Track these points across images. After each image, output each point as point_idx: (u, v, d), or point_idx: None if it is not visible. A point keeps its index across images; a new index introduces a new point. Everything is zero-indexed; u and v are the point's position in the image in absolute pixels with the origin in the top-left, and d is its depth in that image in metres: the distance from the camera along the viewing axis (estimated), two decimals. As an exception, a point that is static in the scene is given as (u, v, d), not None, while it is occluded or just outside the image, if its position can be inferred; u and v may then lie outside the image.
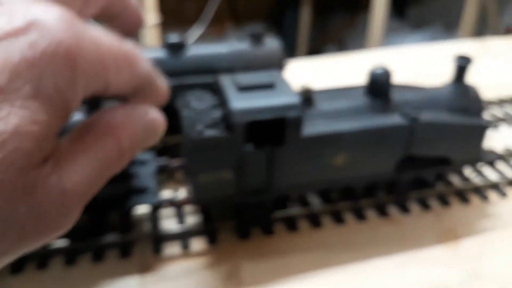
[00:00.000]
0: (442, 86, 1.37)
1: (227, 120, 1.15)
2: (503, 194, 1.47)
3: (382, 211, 1.39)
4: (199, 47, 1.48)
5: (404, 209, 1.40)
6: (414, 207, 1.42)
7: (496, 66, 2.29)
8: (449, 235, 1.32)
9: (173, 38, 1.44)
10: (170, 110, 1.40)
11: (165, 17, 3.96)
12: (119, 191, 1.22)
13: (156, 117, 0.65)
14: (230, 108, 1.13)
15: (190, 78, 1.42)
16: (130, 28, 0.79)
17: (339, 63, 2.32)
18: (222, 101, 1.22)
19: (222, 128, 1.15)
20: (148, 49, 1.45)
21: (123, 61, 0.57)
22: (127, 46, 0.59)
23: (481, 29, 4.39)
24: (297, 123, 1.16)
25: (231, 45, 1.48)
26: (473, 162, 1.38)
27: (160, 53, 1.44)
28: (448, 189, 1.44)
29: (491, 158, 1.40)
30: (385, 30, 4.34)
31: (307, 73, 2.20)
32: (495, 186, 1.48)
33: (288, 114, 1.14)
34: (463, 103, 1.32)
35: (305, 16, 4.99)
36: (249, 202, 1.26)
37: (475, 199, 1.45)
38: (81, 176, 0.52)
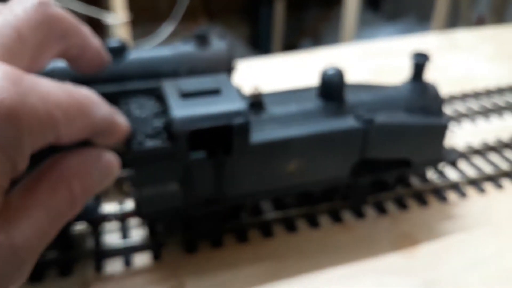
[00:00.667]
0: (400, 84, 1.31)
1: (169, 129, 1.08)
2: (462, 194, 1.41)
3: (336, 217, 1.33)
4: (142, 51, 1.40)
5: (360, 214, 1.34)
6: (370, 212, 1.35)
7: (462, 60, 2.24)
8: (405, 241, 1.27)
9: (113, 42, 1.36)
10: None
11: (136, 15, 3.87)
12: None
13: (110, 159, 0.65)
14: (172, 116, 1.06)
15: (132, 83, 1.35)
16: (91, 69, 0.81)
17: (287, 62, 2.25)
18: (164, 109, 1.15)
19: (164, 138, 1.08)
20: None
21: (75, 111, 0.57)
22: (80, 94, 0.59)
23: (454, 20, 4.36)
24: (244, 130, 1.09)
25: (175, 48, 1.40)
26: (434, 163, 1.33)
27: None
28: (406, 191, 1.39)
29: (453, 158, 1.35)
30: (359, 23, 4.30)
31: (260, 74, 2.13)
32: (454, 187, 1.43)
33: (234, 121, 1.08)
34: (421, 102, 1.27)
35: (280, 10, 4.92)
36: (197, 214, 1.19)
37: (433, 201, 1.39)
38: (32, 230, 0.52)
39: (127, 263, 1.20)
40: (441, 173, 1.45)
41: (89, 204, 1.17)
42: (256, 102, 1.18)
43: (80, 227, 1.26)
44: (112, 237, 1.26)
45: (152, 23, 4.24)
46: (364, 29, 4.71)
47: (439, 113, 1.27)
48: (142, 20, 4.15)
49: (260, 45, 5.17)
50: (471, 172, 1.48)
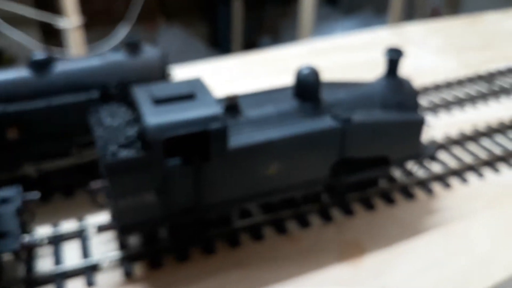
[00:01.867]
0: (375, 81, 1.29)
1: (142, 137, 1.03)
2: (410, 195, 1.39)
3: (280, 229, 1.28)
4: (69, 62, 1.33)
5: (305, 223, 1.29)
6: (315, 219, 1.31)
7: (412, 54, 2.25)
8: (352, 249, 1.22)
9: (38, 55, 1.29)
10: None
11: (90, 18, 3.75)
12: None
13: None
14: (145, 124, 1.01)
15: (60, 97, 1.28)
16: None
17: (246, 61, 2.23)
18: (136, 117, 1.10)
19: (138, 147, 1.03)
20: (10, 69, 1.29)
21: None
22: None
23: (410, 12, 4.43)
24: (222, 135, 1.05)
25: (104, 58, 1.35)
26: (413, 158, 1.32)
27: (24, 73, 1.28)
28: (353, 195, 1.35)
29: (431, 152, 1.34)
30: (316, 18, 4.30)
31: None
32: (403, 188, 1.40)
33: (211, 127, 1.04)
34: (397, 98, 1.26)
35: (238, 9, 4.88)
36: (177, 224, 1.15)
37: (380, 205, 1.36)
38: None
39: None
40: (422, 167, 1.44)
41: (13, 231, 1.08)
42: (232, 105, 1.14)
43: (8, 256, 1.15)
44: (45, 263, 1.19)
45: (107, 25, 4.13)
46: (322, 25, 4.72)
47: (415, 108, 1.26)
48: (96, 23, 4.03)
49: (219, 44, 5.11)
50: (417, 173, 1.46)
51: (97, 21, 4.04)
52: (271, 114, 1.16)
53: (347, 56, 2.22)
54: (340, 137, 1.16)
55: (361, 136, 1.18)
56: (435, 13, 4.36)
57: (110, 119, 1.12)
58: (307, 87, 1.17)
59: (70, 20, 3.12)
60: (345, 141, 1.17)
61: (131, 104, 1.16)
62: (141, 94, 1.09)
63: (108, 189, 1.10)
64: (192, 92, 1.08)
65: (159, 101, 1.06)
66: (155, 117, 1.02)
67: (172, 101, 1.06)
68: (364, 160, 1.24)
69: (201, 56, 2.37)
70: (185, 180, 1.08)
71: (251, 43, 5.17)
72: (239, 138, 1.10)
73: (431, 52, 2.29)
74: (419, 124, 1.24)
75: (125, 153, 1.01)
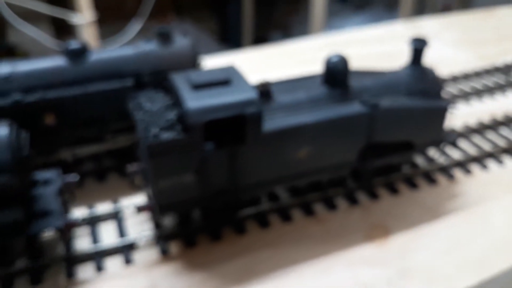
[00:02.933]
0: (400, 69, 1.34)
1: (183, 121, 1.08)
2: (432, 180, 1.43)
3: (308, 210, 1.33)
4: (103, 51, 1.39)
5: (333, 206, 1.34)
6: (341, 203, 1.36)
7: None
8: (378, 231, 1.27)
9: (73, 44, 1.34)
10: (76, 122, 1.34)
11: (102, 14, 3.79)
12: (17, 217, 1.08)
13: None
14: (186, 108, 1.06)
15: (95, 85, 1.33)
16: None
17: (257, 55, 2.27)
18: (176, 101, 1.15)
19: (179, 129, 1.08)
20: (46, 58, 1.35)
21: None
22: None
23: (421, 7, 4.46)
24: (257, 119, 1.10)
25: (138, 47, 1.40)
26: (435, 144, 1.37)
27: (60, 61, 1.34)
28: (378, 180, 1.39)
29: (453, 138, 1.38)
30: (327, 14, 4.34)
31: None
32: (425, 174, 1.44)
33: (247, 111, 1.09)
34: (421, 85, 1.30)
35: (248, 4, 4.92)
36: (211, 205, 1.20)
37: (404, 189, 1.41)
38: None
39: (99, 268, 1.17)
40: (443, 153, 1.48)
41: (56, 210, 1.14)
42: (265, 92, 1.19)
43: (49, 234, 1.23)
44: (83, 242, 1.24)
45: (119, 21, 4.17)
46: (333, 20, 4.76)
47: (439, 96, 1.31)
48: (109, 19, 4.07)
49: (230, 39, 5.15)
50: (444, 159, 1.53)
51: (110, 16, 4.08)
52: (302, 99, 1.21)
53: (361, 49, 2.26)
54: (368, 122, 1.21)
55: (388, 121, 1.23)
56: (446, 8, 4.39)
57: (149, 104, 1.17)
58: (336, 74, 1.22)
59: (83, 16, 3.16)
60: (373, 126, 1.22)
61: (168, 90, 1.21)
62: (180, 80, 1.14)
63: (148, 170, 1.16)
64: (228, 78, 1.13)
65: (198, 87, 1.11)
66: (195, 101, 1.07)
67: (209, 87, 1.11)
68: (390, 145, 1.29)
69: (212, 52, 2.41)
70: (221, 163, 1.13)
71: (261, 39, 5.19)
72: (272, 123, 1.15)
73: (447, 45, 2.33)
74: (442, 110, 1.29)
75: (166, 135, 1.07)
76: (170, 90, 1.19)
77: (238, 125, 1.11)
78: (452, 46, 2.31)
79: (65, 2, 3.55)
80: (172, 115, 1.12)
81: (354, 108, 1.21)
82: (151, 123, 1.10)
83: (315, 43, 2.37)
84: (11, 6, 2.92)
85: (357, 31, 2.54)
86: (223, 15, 5.40)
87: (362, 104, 1.21)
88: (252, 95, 1.10)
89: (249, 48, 2.49)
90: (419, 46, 1.28)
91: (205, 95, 1.09)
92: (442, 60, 2.16)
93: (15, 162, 1.02)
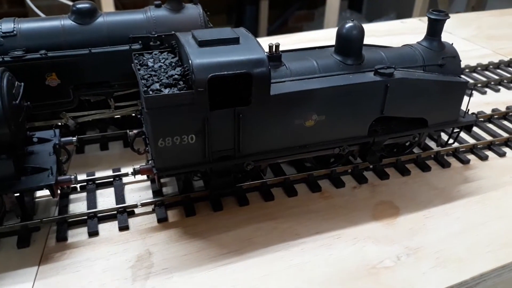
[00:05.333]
0: (416, 43, 1.24)
1: (187, 77, 0.99)
2: (446, 164, 1.32)
3: (314, 186, 1.22)
4: (113, 14, 1.30)
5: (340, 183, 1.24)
6: (349, 180, 1.25)
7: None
8: (387, 210, 1.16)
9: (82, 4, 1.26)
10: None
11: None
12: (6, 171, 0.99)
13: None
14: (191, 63, 0.97)
15: (102, 47, 1.24)
16: None
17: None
18: (182, 59, 1.06)
19: (182, 86, 0.99)
20: (52, 17, 1.27)
21: None
22: None
23: (434, 18, 4.37)
24: (265, 80, 1.01)
25: (148, 12, 1.31)
26: (452, 124, 1.26)
27: (67, 22, 1.25)
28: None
29: (471, 120, 1.26)
30: (341, 21, 4.27)
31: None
32: (438, 156, 1.33)
33: (255, 70, 0.99)
34: (439, 59, 1.20)
35: (264, 10, 4.86)
36: (214, 170, 1.10)
37: (416, 171, 1.30)
38: None
39: (92, 233, 1.08)
40: (458, 137, 1.36)
41: (49, 168, 1.04)
42: (274, 55, 1.10)
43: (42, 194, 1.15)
44: (78, 206, 1.15)
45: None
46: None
47: (457, 72, 1.20)
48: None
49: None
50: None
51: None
52: (313, 67, 1.12)
53: (376, 40, 2.16)
54: (381, 93, 1.11)
55: (402, 94, 1.13)
56: (458, 18, 4.29)
57: (153, 62, 1.08)
58: (350, 42, 1.12)
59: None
60: (386, 97, 1.12)
61: (173, 50, 1.12)
62: (186, 38, 1.05)
63: (148, 130, 1.06)
64: (236, 37, 1.04)
65: (204, 44, 1.02)
66: (200, 57, 0.98)
67: (217, 44, 1.02)
68: (403, 121, 1.19)
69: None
70: (224, 125, 1.03)
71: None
72: (280, 87, 1.06)
73: (464, 39, 2.23)
74: (461, 87, 1.19)
75: (167, 90, 0.97)
76: (176, 49, 1.10)
77: (244, 85, 1.02)
78: (468, 41, 2.21)
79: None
80: (176, 72, 1.03)
81: (368, 77, 1.11)
82: (153, 79, 1.01)
83: (330, 33, 2.27)
84: (36, 2, 2.87)
85: (371, 24, 2.45)
86: (239, 20, 5.36)
87: (376, 73, 1.11)
88: (260, 55, 1.01)
89: (264, 37, 2.42)
90: (438, 16, 1.18)
91: (212, 52, 1.00)
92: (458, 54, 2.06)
93: (4, 108, 0.93)
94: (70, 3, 3.03)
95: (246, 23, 5.15)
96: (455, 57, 1.20)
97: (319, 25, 4.61)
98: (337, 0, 4.12)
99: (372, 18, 5.05)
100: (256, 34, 4.96)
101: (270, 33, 5.03)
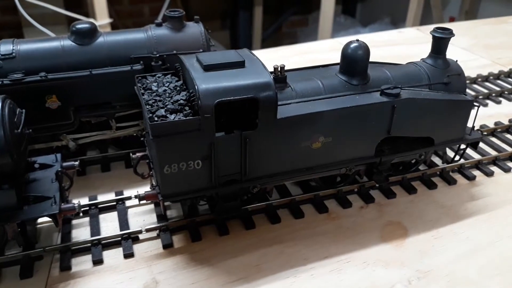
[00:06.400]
0: (422, 60, 1.22)
1: (193, 102, 0.96)
2: (452, 181, 1.30)
3: (321, 207, 1.20)
4: (113, 33, 1.27)
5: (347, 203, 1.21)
6: (356, 200, 1.23)
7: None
8: (395, 230, 1.14)
9: (82, 24, 1.23)
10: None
11: (119, 20, 3.71)
12: (9, 201, 0.96)
13: None
14: (197, 88, 0.94)
15: (103, 68, 1.21)
16: None
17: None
18: (185, 83, 1.03)
19: (188, 112, 0.96)
20: (52, 38, 1.24)
21: None
22: None
23: (426, 22, 4.36)
24: (272, 103, 0.98)
25: (149, 31, 1.28)
26: (458, 142, 1.23)
27: (67, 42, 1.22)
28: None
29: (477, 137, 1.25)
30: (335, 26, 4.25)
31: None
32: (444, 174, 1.31)
33: (261, 94, 0.97)
34: (444, 78, 1.18)
35: (258, 16, 4.84)
36: (220, 195, 1.08)
37: (422, 189, 1.28)
38: None
39: (97, 261, 1.04)
40: (465, 153, 1.34)
41: (52, 196, 1.00)
42: (280, 78, 1.08)
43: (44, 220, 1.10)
44: (81, 233, 1.12)
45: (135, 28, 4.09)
46: (341, 33, 4.66)
47: (462, 90, 1.19)
48: (125, 26, 4.00)
49: (240, 49, 5.08)
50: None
51: (126, 23, 4.01)
52: (319, 88, 1.09)
53: (374, 51, 2.14)
54: (388, 114, 1.09)
55: (409, 114, 1.11)
56: (452, 22, 4.29)
57: (157, 86, 1.05)
58: (355, 62, 1.10)
59: (100, 22, 3.08)
60: (394, 117, 1.09)
61: (177, 73, 1.09)
62: (190, 61, 1.03)
63: (153, 156, 1.04)
64: (242, 60, 1.02)
65: (209, 68, 0.99)
66: (206, 82, 0.95)
67: (222, 68, 1.00)
68: (410, 140, 1.17)
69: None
70: (231, 150, 1.01)
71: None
72: (286, 109, 1.03)
73: (463, 49, 2.22)
74: (467, 105, 1.17)
75: (173, 117, 0.95)
76: (179, 72, 1.07)
77: (251, 109, 0.99)
78: (467, 51, 2.20)
79: (82, 7, 3.47)
80: (181, 97, 1.00)
81: (374, 98, 1.08)
82: (158, 105, 0.99)
83: (326, 45, 2.26)
84: (29, 10, 2.83)
85: (368, 35, 2.44)
86: (233, 25, 5.34)
87: (382, 94, 1.09)
88: (266, 78, 0.98)
89: (261, 49, 2.39)
90: (443, 34, 1.16)
91: (217, 76, 0.98)
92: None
93: (6, 138, 0.90)
94: (64, 12, 3.00)
95: (240, 29, 5.13)
96: (460, 74, 1.18)
97: (313, 30, 4.60)
98: (331, 5, 4.10)
99: (366, 23, 5.04)
100: (250, 39, 4.94)
101: (265, 38, 5.01)
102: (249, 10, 5.10)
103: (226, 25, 5.36)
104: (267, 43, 5.02)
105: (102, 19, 3.05)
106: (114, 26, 3.28)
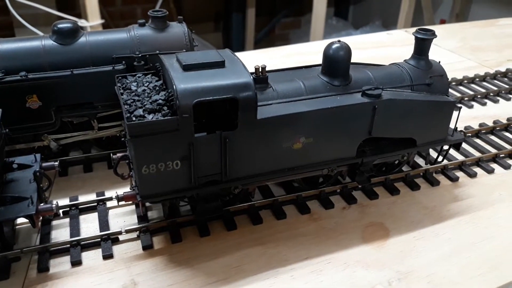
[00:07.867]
0: (404, 62, 1.21)
1: (171, 102, 0.95)
2: (434, 182, 1.29)
3: (302, 207, 1.19)
4: (95, 34, 1.26)
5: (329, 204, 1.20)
6: (338, 201, 1.22)
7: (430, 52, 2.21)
8: (376, 232, 1.13)
9: (63, 24, 1.21)
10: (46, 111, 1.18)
11: (112, 21, 3.69)
12: None
13: None
14: (175, 88, 0.93)
15: (84, 68, 1.20)
16: None
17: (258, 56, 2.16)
18: (166, 83, 1.02)
19: (166, 112, 0.95)
20: (33, 37, 1.22)
21: None
22: None
23: (418, 25, 4.37)
24: (251, 104, 0.97)
25: (131, 31, 1.27)
26: (440, 143, 1.23)
27: (48, 42, 1.20)
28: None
29: (459, 138, 1.24)
30: (327, 29, 4.25)
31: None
32: (427, 175, 1.31)
33: (241, 94, 0.96)
34: (427, 78, 1.17)
35: (251, 18, 4.83)
36: (200, 195, 1.06)
37: (405, 190, 1.27)
38: None
39: (75, 262, 1.02)
40: (447, 154, 1.34)
41: (29, 197, 0.99)
42: (261, 78, 1.06)
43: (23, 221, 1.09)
44: (60, 234, 1.10)
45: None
46: (333, 35, 4.66)
47: (445, 91, 1.18)
48: (117, 27, 3.98)
49: (233, 51, 5.07)
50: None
51: (118, 24, 3.99)
52: (300, 89, 1.08)
53: (362, 52, 2.15)
54: (369, 114, 1.08)
55: (390, 115, 1.10)
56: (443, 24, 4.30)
57: (136, 86, 1.04)
58: (337, 62, 1.09)
59: (91, 22, 3.06)
60: (375, 118, 1.09)
61: (157, 73, 1.08)
62: (170, 61, 1.02)
63: (131, 156, 1.02)
64: (221, 60, 1.01)
65: (189, 68, 0.98)
66: (185, 82, 0.94)
67: (201, 68, 0.99)
68: (392, 141, 1.16)
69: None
70: (210, 150, 0.99)
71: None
72: (267, 110, 1.02)
73: (449, 51, 2.22)
74: (449, 106, 1.16)
75: (151, 117, 0.93)
76: (160, 71, 1.06)
77: (231, 109, 0.98)
78: (454, 53, 2.20)
79: (74, 8, 3.45)
80: (160, 96, 0.99)
81: (355, 98, 1.08)
82: (136, 105, 0.97)
83: (316, 47, 2.25)
84: (21, 11, 2.81)
85: (357, 37, 2.44)
86: (226, 28, 5.33)
87: (363, 94, 1.08)
88: (246, 78, 0.97)
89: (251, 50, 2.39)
90: (426, 35, 1.15)
91: (196, 76, 0.96)
92: (444, 66, 2.05)
93: (-19, 137, 0.89)
94: (55, 12, 2.98)
95: (233, 31, 5.12)
96: (442, 75, 1.18)
97: (306, 33, 4.60)
98: (324, 7, 4.11)
99: (358, 25, 5.04)
100: (243, 41, 4.94)
101: (258, 40, 5.01)
102: (242, 12, 5.10)
103: (219, 27, 5.35)
104: (260, 45, 5.02)
105: (94, 20, 3.03)
106: (106, 27, 3.26)
